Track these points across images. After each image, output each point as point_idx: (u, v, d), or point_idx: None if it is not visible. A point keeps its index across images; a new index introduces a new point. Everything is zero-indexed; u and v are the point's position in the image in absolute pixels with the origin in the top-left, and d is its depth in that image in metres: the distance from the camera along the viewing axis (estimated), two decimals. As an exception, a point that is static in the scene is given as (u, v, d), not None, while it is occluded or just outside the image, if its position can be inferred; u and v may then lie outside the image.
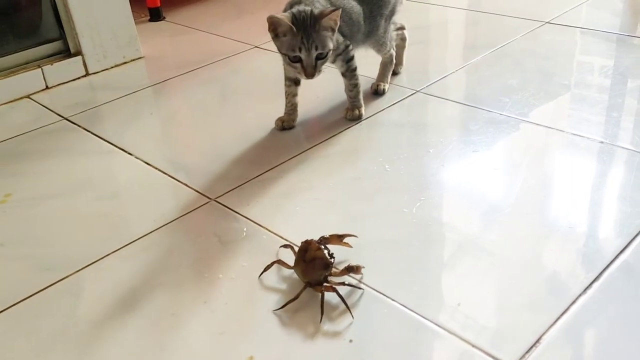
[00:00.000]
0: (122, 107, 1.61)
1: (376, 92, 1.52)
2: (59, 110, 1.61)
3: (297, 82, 1.38)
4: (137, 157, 1.35)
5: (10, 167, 1.37)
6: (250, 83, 1.69)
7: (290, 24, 1.19)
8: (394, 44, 1.52)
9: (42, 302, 0.96)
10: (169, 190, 1.22)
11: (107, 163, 1.35)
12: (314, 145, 1.32)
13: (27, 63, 1.73)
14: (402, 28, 1.58)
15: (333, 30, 1.23)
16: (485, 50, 1.72)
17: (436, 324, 0.85)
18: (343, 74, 1.38)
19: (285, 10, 1.24)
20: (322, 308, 0.87)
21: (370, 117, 1.42)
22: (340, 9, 1.22)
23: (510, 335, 0.82)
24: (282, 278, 0.96)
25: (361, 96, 1.41)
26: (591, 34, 1.79)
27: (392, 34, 1.50)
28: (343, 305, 0.87)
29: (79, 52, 1.79)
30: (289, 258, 0.96)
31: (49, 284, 0.99)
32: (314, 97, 1.52)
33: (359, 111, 1.41)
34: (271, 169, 1.25)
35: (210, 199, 1.17)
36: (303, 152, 1.30)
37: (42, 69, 1.73)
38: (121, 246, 1.06)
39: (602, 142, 1.24)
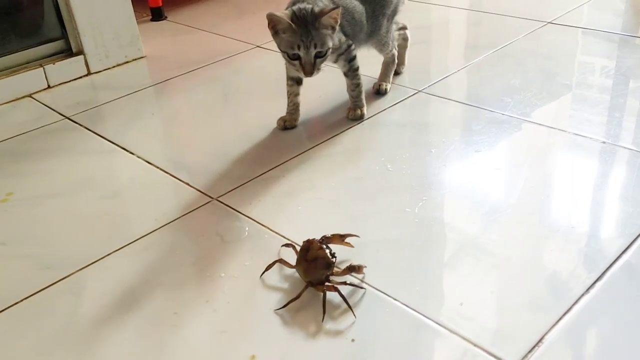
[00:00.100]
0: (124, 106, 1.61)
1: (378, 92, 1.52)
2: (61, 109, 1.61)
3: (299, 82, 1.38)
4: (138, 157, 1.35)
5: (12, 166, 1.37)
6: (252, 83, 1.69)
7: (290, 22, 1.19)
8: (396, 43, 1.52)
9: (43, 301, 0.96)
10: (170, 190, 1.22)
11: (109, 162, 1.35)
12: (316, 145, 1.32)
13: (29, 62, 1.74)
14: (404, 28, 1.57)
15: (333, 29, 1.23)
16: (487, 50, 1.72)
17: (438, 324, 0.85)
18: (345, 74, 1.38)
19: (287, 8, 1.24)
20: (324, 307, 0.87)
21: (372, 116, 1.42)
22: (340, 8, 1.22)
23: (512, 335, 0.82)
24: (283, 277, 0.96)
25: (363, 96, 1.41)
26: (593, 34, 1.78)
27: (394, 33, 1.50)
28: (345, 305, 0.87)
29: (80, 52, 1.79)
30: (291, 257, 0.96)
31: (50, 283, 0.99)
32: (316, 97, 1.52)
33: (361, 111, 1.41)
34: (273, 168, 1.25)
35: (212, 198, 1.17)
36: (305, 151, 1.30)
37: (44, 68, 1.73)
38: (122, 245, 1.06)
39: (604, 142, 1.24)
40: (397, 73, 1.59)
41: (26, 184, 1.29)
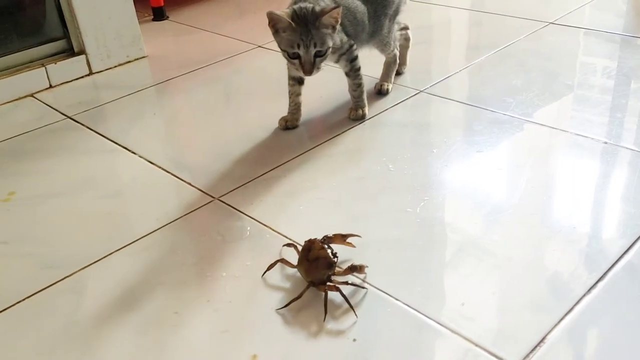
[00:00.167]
0: (126, 106, 1.61)
1: (380, 92, 1.52)
2: (63, 109, 1.61)
3: (300, 82, 1.38)
4: (140, 156, 1.35)
5: (14, 165, 1.37)
6: (254, 82, 1.69)
7: (289, 21, 1.19)
8: (397, 43, 1.52)
9: (44, 301, 0.96)
10: (172, 189, 1.22)
11: (111, 162, 1.35)
12: (318, 145, 1.32)
13: (31, 62, 1.74)
14: (405, 28, 1.57)
15: (334, 28, 1.23)
16: (488, 51, 1.72)
17: (439, 324, 0.85)
18: (347, 74, 1.38)
19: (289, 7, 1.24)
20: (325, 307, 0.87)
21: (373, 116, 1.42)
22: (341, 7, 1.22)
23: (513, 335, 0.82)
24: (285, 277, 0.96)
25: (365, 96, 1.41)
26: (594, 35, 1.78)
27: (396, 33, 1.50)
28: (346, 305, 0.87)
29: (82, 51, 1.79)
30: (293, 257, 0.96)
31: (51, 283, 0.99)
32: (318, 97, 1.52)
33: (363, 111, 1.41)
34: (275, 168, 1.25)
35: (213, 198, 1.18)
36: (306, 151, 1.30)
37: (45, 68, 1.73)
38: (124, 245, 1.06)
39: (605, 143, 1.24)
40: (398, 73, 1.59)
41: (28, 184, 1.29)
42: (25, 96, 1.70)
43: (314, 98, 1.50)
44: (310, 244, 0.93)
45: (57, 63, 1.75)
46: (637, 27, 1.82)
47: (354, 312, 0.87)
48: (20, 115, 1.60)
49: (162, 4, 2.28)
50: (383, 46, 1.46)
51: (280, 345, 0.84)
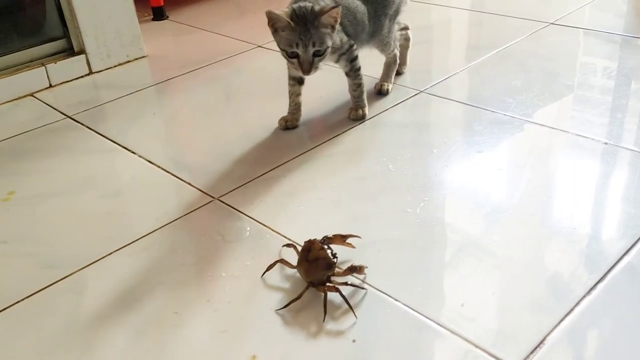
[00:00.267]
0: (125, 105, 1.61)
1: (380, 92, 1.52)
2: (63, 108, 1.61)
3: (301, 82, 1.38)
4: (140, 156, 1.35)
5: (14, 165, 1.37)
6: (253, 82, 1.69)
7: (288, 20, 1.19)
8: (397, 44, 1.51)
9: (44, 300, 0.96)
10: (172, 189, 1.22)
11: (110, 161, 1.35)
12: (318, 145, 1.32)
13: (31, 61, 1.74)
14: (406, 28, 1.57)
15: (333, 28, 1.23)
16: (488, 51, 1.72)
17: (439, 324, 0.85)
18: (347, 74, 1.38)
19: (288, 6, 1.24)
20: (325, 308, 0.87)
21: (373, 117, 1.42)
22: (340, 7, 1.21)
23: (513, 336, 0.82)
24: (285, 277, 0.96)
25: (365, 96, 1.41)
26: (595, 35, 1.78)
27: (396, 34, 1.50)
28: (346, 305, 0.87)
29: (82, 51, 1.79)
30: (292, 257, 0.96)
31: (51, 282, 0.99)
32: (318, 97, 1.52)
33: (363, 111, 1.41)
34: (274, 168, 1.25)
35: (213, 198, 1.17)
36: (306, 151, 1.30)
37: (45, 67, 1.73)
38: (124, 245, 1.06)
39: (606, 143, 1.24)
40: (398, 73, 1.59)
41: (28, 183, 1.29)
42: (25, 95, 1.70)
43: (314, 98, 1.50)
44: (309, 245, 0.93)
45: (57, 62, 1.75)
46: (638, 28, 1.82)
47: (354, 312, 0.87)
48: (20, 115, 1.60)
49: (162, 3, 2.28)
50: (383, 46, 1.46)
51: (279, 345, 0.84)
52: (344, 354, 0.82)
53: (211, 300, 0.92)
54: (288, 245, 1.00)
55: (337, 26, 1.26)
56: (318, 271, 0.90)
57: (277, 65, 1.32)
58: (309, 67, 1.22)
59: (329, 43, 1.23)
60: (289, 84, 1.38)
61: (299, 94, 1.39)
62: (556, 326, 0.83)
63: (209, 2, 2.45)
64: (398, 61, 1.54)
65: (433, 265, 0.96)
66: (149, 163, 1.32)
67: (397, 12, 1.45)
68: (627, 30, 1.80)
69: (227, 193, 1.18)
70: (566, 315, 0.84)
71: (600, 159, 1.20)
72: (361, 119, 1.41)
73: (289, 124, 1.40)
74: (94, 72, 1.82)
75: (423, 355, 0.81)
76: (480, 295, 0.89)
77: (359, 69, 1.37)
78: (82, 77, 1.80)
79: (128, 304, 0.93)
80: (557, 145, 1.26)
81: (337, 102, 1.49)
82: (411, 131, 1.35)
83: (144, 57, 1.91)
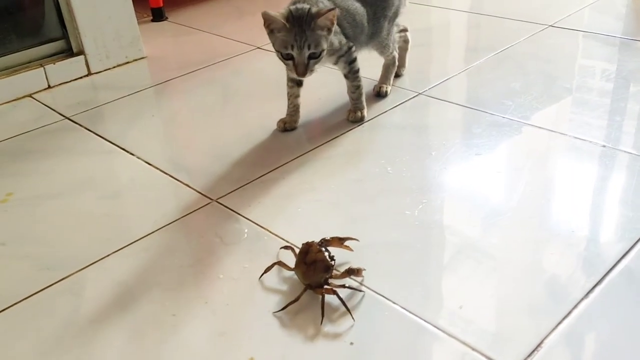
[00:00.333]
0: (124, 107, 1.61)
1: (378, 94, 1.52)
2: (61, 109, 1.61)
3: (299, 83, 1.38)
4: (138, 157, 1.35)
5: (12, 166, 1.37)
6: (252, 84, 1.69)
7: (283, 21, 1.19)
8: (396, 46, 1.52)
9: (42, 302, 0.96)
10: (170, 191, 1.22)
11: (109, 163, 1.35)
12: (316, 147, 1.32)
13: (29, 62, 1.74)
14: (405, 30, 1.58)
15: (329, 31, 1.22)
16: (487, 53, 1.72)
17: (437, 327, 0.85)
18: (345, 76, 1.38)
19: (286, 7, 1.24)
20: (322, 310, 0.87)
21: (372, 119, 1.42)
22: (337, 9, 1.21)
23: (511, 339, 0.82)
24: (282, 279, 0.96)
25: (363, 98, 1.41)
26: (594, 38, 1.78)
27: (395, 36, 1.50)
28: (344, 308, 0.87)
29: (81, 52, 1.79)
30: (290, 259, 0.96)
31: (49, 284, 0.99)
32: (316, 99, 1.52)
33: (361, 113, 1.41)
34: (273, 170, 1.25)
35: (211, 199, 1.17)
36: (305, 153, 1.30)
37: (44, 68, 1.73)
38: (122, 246, 1.06)
39: (604, 146, 1.24)
40: (397, 75, 1.59)
41: (26, 184, 1.28)
42: (24, 96, 1.70)
43: (313, 100, 1.50)
44: (307, 247, 0.93)
45: (56, 63, 1.75)
46: (636, 30, 1.82)
47: (351, 315, 0.87)
48: (18, 116, 1.60)
49: (161, 4, 2.28)
50: (382, 48, 1.46)
51: (277, 348, 0.84)
52: (341, 356, 0.82)
53: (209, 302, 0.92)
54: (286, 247, 1.00)
55: (337, 28, 1.26)
56: (316, 274, 0.90)
57: (275, 66, 1.32)
58: (303, 69, 1.22)
59: (325, 46, 1.23)
60: (288, 85, 1.38)
61: (297, 96, 1.39)
62: (554, 329, 0.83)
63: (208, 3, 2.45)
64: (397, 63, 1.54)
65: (431, 268, 0.96)
66: (147, 164, 1.31)
67: (396, 14, 1.46)
68: (626, 32, 1.80)
69: (225, 195, 1.18)
70: (564, 318, 0.84)
71: (598, 161, 1.20)
72: (360, 121, 1.41)
73: (288, 125, 1.40)
74: (92, 73, 1.82)
75: (420, 358, 0.81)
76: (478, 298, 0.89)
77: (357, 71, 1.37)
78: (81, 78, 1.80)
79: (126, 306, 0.93)
80: (556, 148, 1.26)
81: (336, 104, 1.50)
82: (410, 133, 1.35)
83: (143, 58, 1.91)
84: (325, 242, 0.96)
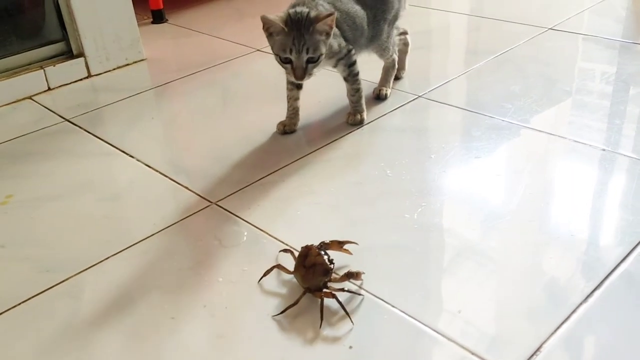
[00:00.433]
0: (124, 109, 1.61)
1: (378, 97, 1.52)
2: (61, 111, 1.61)
3: (299, 86, 1.38)
4: (138, 160, 1.35)
5: (12, 168, 1.37)
6: (252, 86, 1.69)
7: (282, 25, 1.19)
8: (396, 48, 1.52)
9: (41, 304, 0.96)
10: (169, 193, 1.22)
11: (108, 165, 1.35)
12: (316, 150, 1.32)
13: (29, 64, 1.74)
14: (404, 33, 1.58)
15: (328, 35, 1.22)
16: (487, 56, 1.72)
17: (436, 331, 0.85)
18: (345, 79, 1.38)
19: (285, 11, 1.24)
20: (321, 314, 0.87)
21: (372, 121, 1.42)
22: (335, 14, 1.21)
23: (510, 342, 0.82)
24: (282, 283, 0.96)
25: (363, 101, 1.41)
26: (593, 41, 1.79)
27: (395, 38, 1.50)
28: (343, 311, 0.87)
29: (81, 54, 1.79)
30: (289, 263, 0.96)
31: (49, 286, 0.99)
32: (316, 102, 1.52)
33: (361, 116, 1.41)
34: (272, 173, 1.25)
35: (211, 202, 1.17)
36: (304, 156, 1.30)
37: (44, 70, 1.73)
38: (121, 249, 1.06)
39: (604, 150, 1.24)
40: (397, 78, 1.59)
41: (26, 186, 1.28)
42: (24, 98, 1.70)
43: (312, 102, 1.50)
44: (306, 250, 0.92)
45: (56, 65, 1.75)
46: (636, 33, 1.82)
47: (350, 319, 0.87)
48: (18, 118, 1.60)
49: (162, 6, 2.28)
50: (382, 51, 1.46)
51: (276, 351, 0.84)
52: (340, 360, 0.82)
53: (208, 305, 0.92)
54: (285, 250, 1.00)
55: (336, 31, 1.26)
56: (315, 277, 0.90)
57: (275, 69, 1.32)
58: (301, 73, 1.22)
59: (323, 50, 1.22)
60: (287, 88, 1.38)
61: (297, 99, 1.39)
62: (553, 333, 0.83)
63: (208, 5, 2.45)
64: (397, 66, 1.54)
65: (430, 271, 0.96)
66: (147, 167, 1.31)
67: (396, 17, 1.46)
68: (626, 36, 1.80)
69: (225, 197, 1.18)
70: (563, 322, 0.84)
71: (598, 165, 1.20)
72: (359, 123, 1.41)
73: (287, 128, 1.40)
74: (92, 75, 1.82)
75: (420, 362, 0.81)
76: (477, 301, 0.89)
77: (357, 73, 1.37)
78: (81, 80, 1.80)
79: (125, 308, 0.93)
80: (555, 151, 1.26)
81: (336, 107, 1.50)
82: (409, 136, 1.35)
83: (143, 60, 1.91)
84: (324, 246, 0.95)
